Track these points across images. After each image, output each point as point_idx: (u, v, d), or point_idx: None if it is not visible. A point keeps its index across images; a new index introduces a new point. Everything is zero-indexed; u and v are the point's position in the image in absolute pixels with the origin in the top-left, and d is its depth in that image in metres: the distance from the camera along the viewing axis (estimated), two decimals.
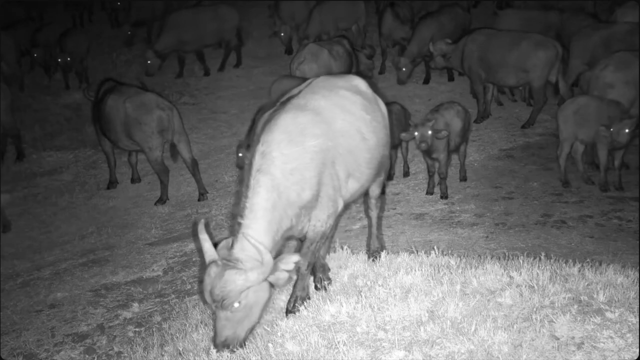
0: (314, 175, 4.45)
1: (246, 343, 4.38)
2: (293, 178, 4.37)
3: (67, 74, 14.60)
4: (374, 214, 5.72)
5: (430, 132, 8.07)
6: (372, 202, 5.64)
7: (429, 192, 8.81)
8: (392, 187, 9.19)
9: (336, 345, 4.18)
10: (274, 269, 4.20)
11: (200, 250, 4.45)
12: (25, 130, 12.95)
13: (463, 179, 9.19)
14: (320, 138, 4.50)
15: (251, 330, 4.41)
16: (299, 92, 4.86)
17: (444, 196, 8.61)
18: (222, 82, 14.55)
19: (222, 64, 15.05)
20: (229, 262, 4.16)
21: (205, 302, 4.40)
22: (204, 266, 4.36)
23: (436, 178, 8.79)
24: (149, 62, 13.97)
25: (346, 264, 5.57)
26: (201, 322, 5.49)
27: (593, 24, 11.32)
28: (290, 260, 4.27)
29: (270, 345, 4.32)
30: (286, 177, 4.35)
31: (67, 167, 11.56)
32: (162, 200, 9.51)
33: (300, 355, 4.18)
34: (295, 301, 4.87)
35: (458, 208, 8.30)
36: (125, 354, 5.50)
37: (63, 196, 10.31)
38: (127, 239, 8.54)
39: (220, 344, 4.27)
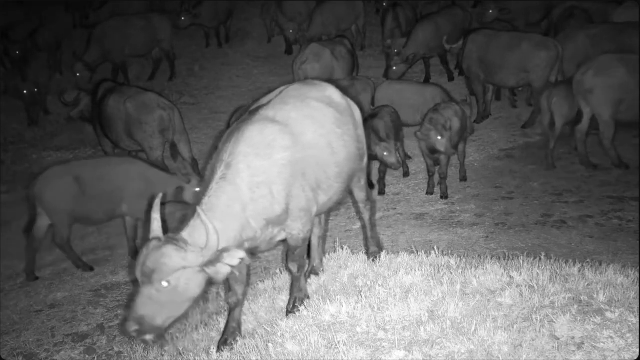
0: (282, 189, 4.33)
1: (164, 337, 4.17)
2: (260, 191, 4.25)
3: (36, 106, 13.27)
4: (365, 216, 5.65)
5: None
6: (361, 206, 5.54)
7: (429, 192, 8.82)
8: (392, 187, 9.20)
9: (336, 345, 4.17)
10: (217, 259, 3.98)
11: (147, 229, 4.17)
12: (25, 131, 12.97)
13: (463, 179, 9.21)
14: (288, 150, 4.37)
15: (171, 323, 4.10)
16: (269, 102, 4.70)
17: (444, 196, 8.62)
18: (222, 82, 14.56)
19: (152, 73, 14.63)
20: (172, 240, 3.97)
21: (133, 278, 4.14)
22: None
23: (436, 178, 8.80)
24: (77, 75, 13.17)
25: (346, 264, 5.56)
26: (201, 322, 5.49)
27: (580, 25, 11.28)
28: (236, 256, 4.00)
29: (270, 345, 4.31)
30: (252, 190, 4.22)
31: None
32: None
33: (300, 355, 4.17)
34: (294, 302, 4.87)
35: (458, 208, 8.31)
36: (125, 354, 5.50)
37: None
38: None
39: (135, 320, 3.92)
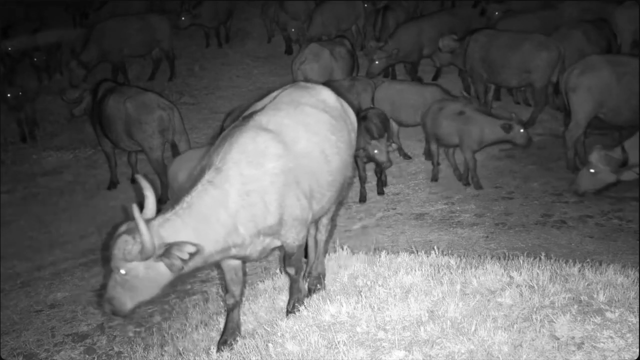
0: (274, 198, 4.28)
1: (131, 315, 4.39)
2: (250, 199, 4.20)
3: (19, 111, 12.73)
4: (322, 237, 5.29)
5: None
6: (324, 221, 5.23)
7: (435, 176, 9.25)
8: (392, 187, 9.20)
9: (336, 345, 4.17)
10: (167, 254, 3.98)
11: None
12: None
13: (461, 179, 9.21)
14: (281, 159, 4.31)
15: (138, 303, 4.23)
16: (263, 108, 4.62)
17: (469, 185, 9.01)
18: (222, 82, 14.55)
19: (152, 73, 14.63)
20: (133, 229, 4.00)
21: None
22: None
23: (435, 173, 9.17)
24: (72, 72, 13.19)
25: (346, 264, 5.57)
26: (201, 322, 5.50)
27: (570, 22, 11.28)
28: (185, 250, 3.99)
29: (270, 345, 4.32)
30: (242, 197, 4.18)
31: (67, 167, 11.56)
32: (162, 200, 9.50)
33: (300, 355, 4.18)
34: (294, 302, 4.88)
35: (458, 208, 8.31)
36: (125, 354, 5.50)
37: (63, 196, 10.31)
38: None
39: (107, 301, 4.17)
